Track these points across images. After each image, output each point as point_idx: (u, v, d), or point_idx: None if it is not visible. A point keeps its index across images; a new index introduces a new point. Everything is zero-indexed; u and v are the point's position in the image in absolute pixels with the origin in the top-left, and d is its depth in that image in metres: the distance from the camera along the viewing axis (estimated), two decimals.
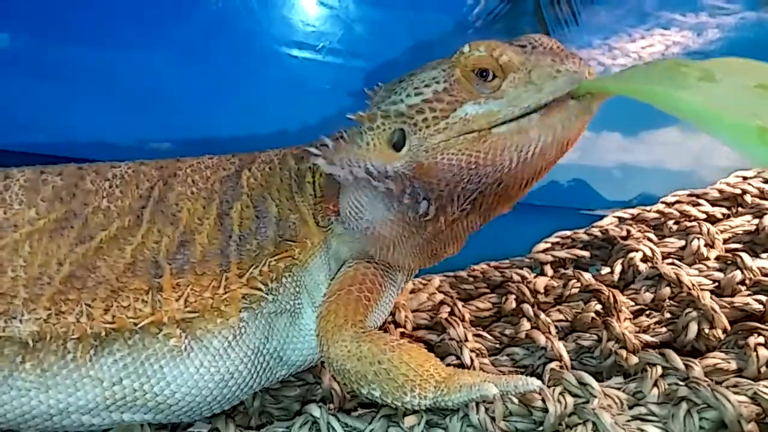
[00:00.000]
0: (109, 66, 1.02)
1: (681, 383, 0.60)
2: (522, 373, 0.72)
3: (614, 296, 0.78)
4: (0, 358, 0.62)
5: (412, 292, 0.90)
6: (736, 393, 0.58)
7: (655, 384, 0.62)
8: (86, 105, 1.04)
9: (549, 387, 0.64)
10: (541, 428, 0.62)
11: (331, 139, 0.67)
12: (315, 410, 0.66)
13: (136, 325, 0.64)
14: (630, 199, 1.20)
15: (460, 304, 0.85)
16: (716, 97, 0.47)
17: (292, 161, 0.74)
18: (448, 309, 0.83)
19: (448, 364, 0.70)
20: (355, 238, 0.70)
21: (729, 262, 0.80)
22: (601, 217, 1.00)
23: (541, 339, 0.74)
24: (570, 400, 0.62)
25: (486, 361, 0.74)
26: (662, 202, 0.96)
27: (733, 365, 0.64)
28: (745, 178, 0.97)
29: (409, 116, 0.63)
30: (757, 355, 0.63)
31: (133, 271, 0.66)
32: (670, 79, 0.50)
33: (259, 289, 0.67)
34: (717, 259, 0.82)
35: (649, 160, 1.18)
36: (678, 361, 0.64)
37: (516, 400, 0.63)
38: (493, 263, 0.95)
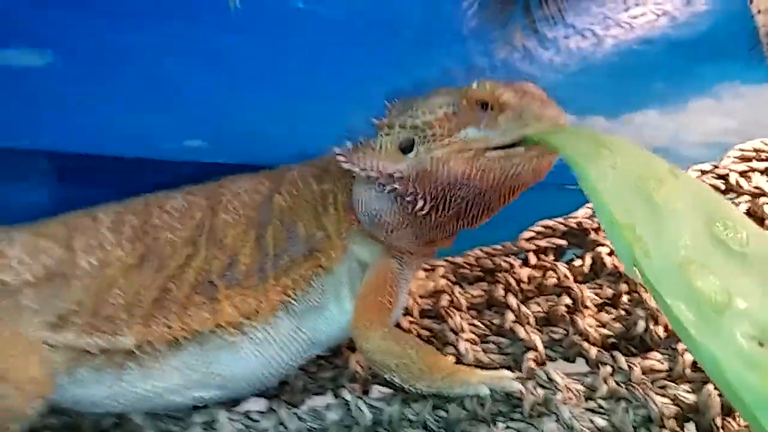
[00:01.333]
0: (148, 71, 1.14)
1: (622, 385, 0.81)
2: (506, 359, 0.93)
3: (582, 292, 0.97)
4: (112, 363, 0.84)
5: (422, 279, 1.08)
6: (662, 395, 0.79)
7: (605, 381, 0.82)
8: (124, 105, 1.18)
9: (526, 378, 0.85)
10: (519, 410, 0.83)
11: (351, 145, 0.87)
12: (347, 395, 0.87)
13: (201, 329, 0.85)
14: None
15: (458, 291, 1.03)
16: (610, 187, 0.57)
17: (314, 184, 0.91)
18: (448, 298, 1.02)
19: (448, 354, 0.91)
20: (368, 236, 0.88)
21: None
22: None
23: (522, 332, 0.93)
24: (541, 392, 0.82)
25: (478, 348, 0.94)
26: None
27: (666, 365, 0.84)
28: (703, 172, 1.12)
29: (422, 129, 0.81)
30: (684, 360, 0.83)
31: (195, 290, 0.86)
32: (593, 159, 0.61)
33: (292, 295, 0.86)
34: None
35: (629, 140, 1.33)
36: (623, 362, 0.84)
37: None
38: (485, 248, 1.13)
